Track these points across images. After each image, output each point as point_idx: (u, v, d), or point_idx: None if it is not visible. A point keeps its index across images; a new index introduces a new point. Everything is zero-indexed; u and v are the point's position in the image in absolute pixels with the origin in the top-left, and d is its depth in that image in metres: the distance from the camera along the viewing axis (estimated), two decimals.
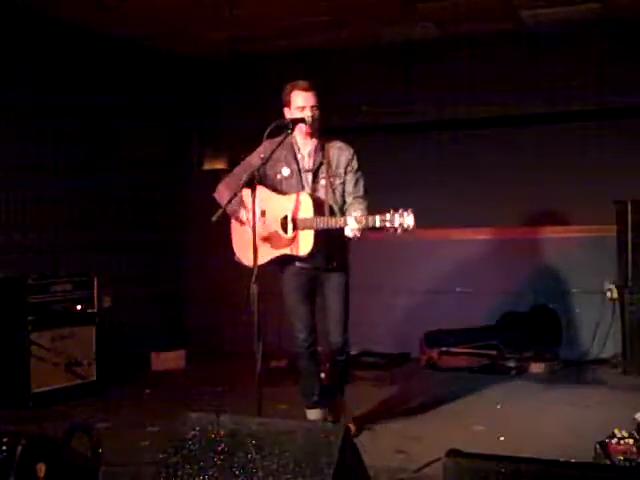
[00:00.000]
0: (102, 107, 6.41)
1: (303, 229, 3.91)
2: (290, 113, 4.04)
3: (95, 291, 5.51)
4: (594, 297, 6.16)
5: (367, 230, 3.75)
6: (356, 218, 3.73)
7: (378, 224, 3.68)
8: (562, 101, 6.31)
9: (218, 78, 7.41)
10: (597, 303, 6.14)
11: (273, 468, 2.68)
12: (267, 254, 3.97)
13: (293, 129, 3.94)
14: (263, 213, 4.03)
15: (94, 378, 5.43)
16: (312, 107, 4.00)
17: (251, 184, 3.64)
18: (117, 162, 6.61)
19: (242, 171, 4.03)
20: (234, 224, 4.15)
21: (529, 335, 6.21)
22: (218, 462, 2.76)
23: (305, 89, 4.02)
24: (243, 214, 3.99)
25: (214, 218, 3.62)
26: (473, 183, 6.46)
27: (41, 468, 2.94)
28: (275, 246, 4.00)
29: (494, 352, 6.15)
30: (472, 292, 6.53)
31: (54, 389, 5.13)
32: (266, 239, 4.00)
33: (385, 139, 6.83)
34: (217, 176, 7.34)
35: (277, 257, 4.01)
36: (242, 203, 3.96)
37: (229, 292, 6.79)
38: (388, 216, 3.65)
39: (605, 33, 6.16)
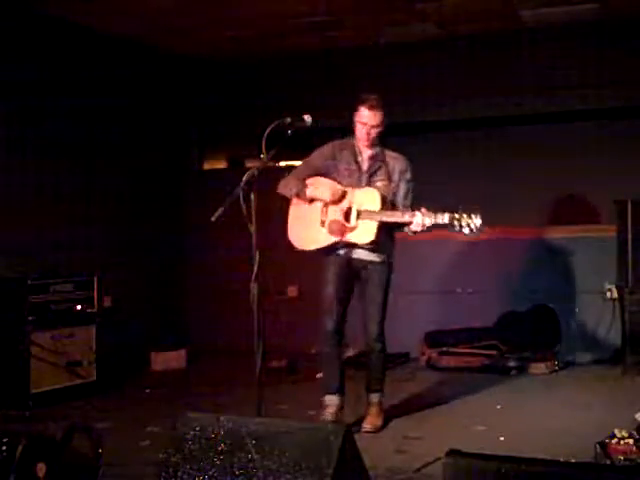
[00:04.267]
0: (102, 107, 6.41)
1: (366, 220, 4.15)
2: (356, 126, 4.33)
3: (95, 291, 5.51)
4: (594, 297, 6.16)
5: (432, 227, 4.04)
6: (425, 212, 4.02)
7: (447, 221, 3.97)
8: (562, 101, 6.31)
9: (218, 78, 7.41)
10: (597, 303, 6.14)
11: (273, 468, 2.68)
12: (325, 240, 4.27)
13: (293, 130, 3.98)
14: (326, 204, 4.30)
15: (94, 378, 5.43)
16: (372, 126, 4.28)
17: (250, 184, 3.67)
18: (117, 162, 6.61)
19: (305, 168, 4.40)
20: (294, 209, 4.38)
21: (529, 335, 6.21)
22: (218, 462, 2.76)
23: (370, 107, 4.28)
24: (311, 190, 4.26)
25: (214, 218, 3.63)
26: (472, 183, 6.44)
27: (41, 468, 2.94)
28: (335, 233, 4.23)
29: (494, 352, 6.15)
30: (472, 292, 6.53)
31: (54, 389, 5.13)
32: (324, 225, 4.27)
33: (385, 139, 6.82)
34: (217, 176, 7.38)
35: (334, 243, 4.26)
36: (300, 182, 4.27)
37: (229, 292, 6.80)
38: (457, 215, 3.95)
39: (605, 33, 6.16)
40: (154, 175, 7.04)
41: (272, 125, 3.86)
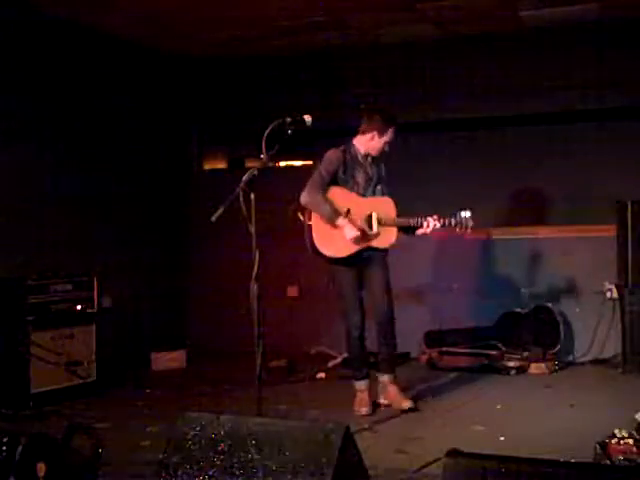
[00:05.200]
0: (102, 107, 6.41)
1: (386, 226, 4.59)
2: (374, 137, 4.69)
3: (95, 291, 5.51)
4: (594, 297, 6.15)
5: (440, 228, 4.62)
6: (436, 218, 4.56)
7: (453, 224, 4.59)
8: (562, 101, 6.31)
9: (218, 78, 7.41)
10: (597, 303, 6.14)
11: (273, 468, 2.68)
12: (352, 247, 4.60)
13: (293, 130, 3.99)
14: (348, 211, 4.63)
15: (94, 378, 5.43)
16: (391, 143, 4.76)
17: (250, 185, 3.68)
18: (117, 162, 6.61)
19: (323, 180, 4.62)
20: (317, 220, 4.62)
21: (529, 335, 6.21)
22: (218, 462, 2.76)
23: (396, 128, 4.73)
24: (341, 221, 4.54)
25: (214, 218, 3.64)
26: (472, 183, 6.45)
27: (41, 468, 2.94)
28: (360, 241, 4.57)
29: (494, 352, 6.15)
30: (472, 292, 6.52)
31: (54, 389, 5.13)
32: (353, 236, 4.55)
33: None
34: (217, 176, 7.38)
35: (361, 249, 4.61)
36: (335, 210, 4.56)
37: (229, 292, 6.80)
38: (458, 218, 4.58)
39: (605, 33, 6.16)
40: (154, 175, 7.04)
41: (272, 125, 3.86)
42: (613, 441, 3.32)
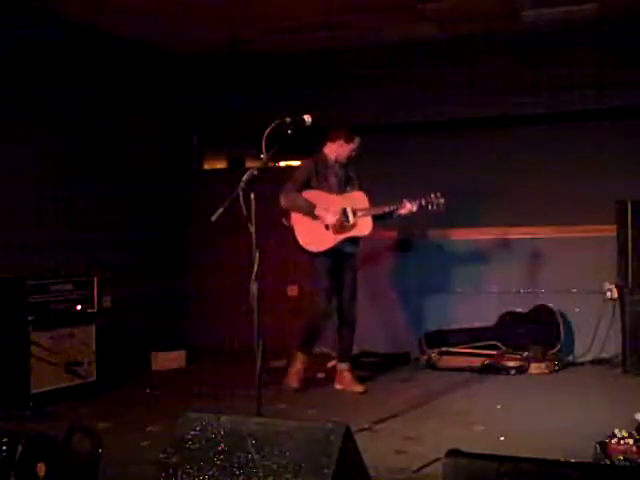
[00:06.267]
0: (102, 106, 6.41)
1: (362, 216, 5.16)
2: (342, 145, 5.31)
3: (95, 291, 5.51)
4: (594, 297, 6.15)
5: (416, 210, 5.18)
6: (408, 200, 5.15)
7: (424, 204, 5.15)
8: (562, 101, 6.31)
9: (218, 78, 7.41)
10: (597, 303, 6.14)
11: (273, 468, 2.68)
12: (334, 239, 5.19)
13: (293, 130, 4.01)
14: (326, 209, 5.17)
15: (94, 378, 5.42)
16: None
17: (250, 185, 3.69)
18: (117, 161, 6.61)
19: (298, 183, 5.22)
20: (298, 218, 5.21)
21: (529, 335, 6.21)
22: (218, 462, 2.76)
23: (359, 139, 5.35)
24: (319, 210, 5.14)
25: (214, 218, 3.65)
26: (472, 183, 6.45)
27: (41, 468, 2.94)
28: (340, 232, 5.18)
29: (494, 352, 6.15)
30: (472, 292, 6.53)
31: (54, 389, 5.12)
32: (329, 228, 5.18)
33: (385, 139, 6.84)
34: (217, 176, 7.38)
35: (343, 240, 5.19)
36: (311, 203, 5.16)
37: (229, 292, 6.80)
38: (429, 199, 5.14)
39: (604, 33, 6.16)
40: (154, 175, 7.04)
41: (272, 125, 3.86)
42: (613, 441, 3.32)
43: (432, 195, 5.14)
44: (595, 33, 6.18)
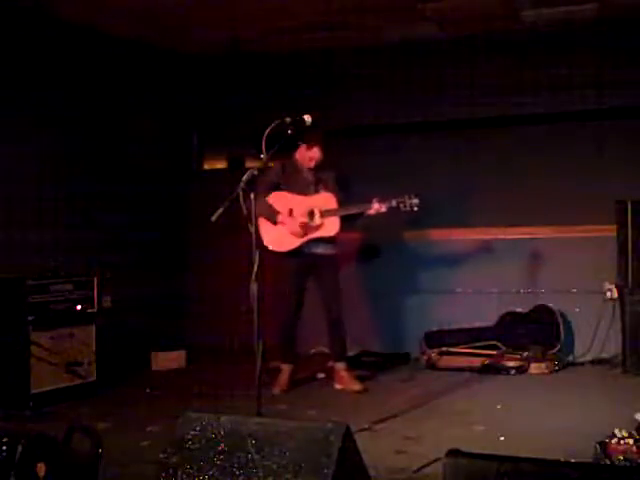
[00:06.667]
0: (102, 106, 6.41)
1: (329, 216, 5.20)
2: (303, 152, 5.38)
3: (95, 291, 5.51)
4: (594, 297, 6.15)
5: (386, 210, 5.10)
6: (379, 200, 5.08)
7: (395, 204, 5.07)
8: (562, 101, 6.31)
9: (218, 78, 7.41)
10: (597, 303, 6.14)
11: (273, 468, 2.68)
12: (298, 241, 5.25)
13: (293, 131, 4.02)
14: (291, 211, 5.28)
15: (94, 378, 5.42)
16: (319, 158, 5.40)
17: (251, 184, 3.71)
18: (117, 161, 6.61)
19: (265, 187, 5.25)
20: (263, 222, 5.27)
21: (529, 335, 6.21)
22: (218, 462, 2.76)
23: (320, 148, 5.35)
24: (280, 217, 5.26)
25: (214, 218, 3.65)
26: (473, 183, 6.46)
27: (41, 468, 2.94)
28: (305, 234, 5.22)
29: (494, 352, 6.15)
30: (472, 292, 6.53)
31: (54, 389, 5.12)
32: (295, 230, 5.24)
33: (385, 139, 6.84)
34: (217, 176, 7.37)
35: (307, 241, 5.24)
36: (275, 210, 5.27)
37: (229, 292, 6.80)
38: (401, 199, 5.04)
39: (604, 33, 6.16)
40: (154, 175, 7.04)
41: (272, 125, 3.87)
42: (613, 441, 3.32)
43: (405, 195, 5.09)
44: (595, 33, 6.18)
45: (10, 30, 5.60)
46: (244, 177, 3.75)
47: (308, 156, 5.38)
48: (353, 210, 5.23)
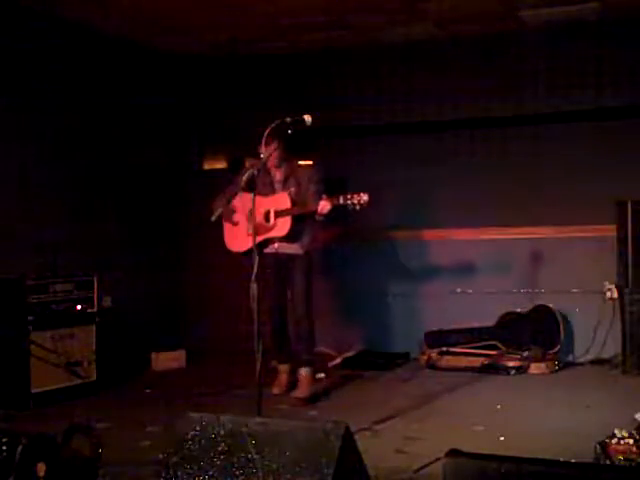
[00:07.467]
0: (102, 107, 6.40)
1: (282, 217, 5.06)
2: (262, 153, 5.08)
3: (95, 291, 5.51)
4: (594, 297, 6.15)
5: (335, 208, 4.86)
6: (326, 199, 4.84)
7: (342, 202, 4.79)
8: (562, 101, 6.31)
9: (218, 78, 7.41)
10: (597, 303, 6.14)
11: (273, 468, 2.68)
12: (251, 242, 4.97)
13: (293, 130, 4.04)
14: (250, 212, 4.99)
15: (94, 378, 5.43)
16: (269, 157, 5.13)
17: (251, 184, 3.72)
18: (117, 162, 6.61)
19: (230, 189, 5.25)
20: (225, 222, 5.31)
21: (529, 335, 6.21)
22: (218, 462, 2.76)
23: (266, 145, 4.85)
24: (236, 216, 5.26)
25: (213, 218, 3.67)
26: (473, 183, 6.46)
27: (41, 468, 2.94)
28: (261, 234, 5.07)
29: (494, 352, 6.15)
30: (472, 292, 6.53)
31: (54, 389, 5.13)
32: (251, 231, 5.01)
33: (385, 139, 6.84)
34: (217, 176, 7.37)
35: (266, 242, 5.13)
36: (232, 210, 5.26)
37: (229, 292, 6.80)
38: (349, 196, 4.78)
39: (605, 33, 6.16)
40: (154, 175, 7.03)
41: (272, 124, 3.87)
42: (613, 441, 3.32)
43: (353, 193, 4.90)
44: (595, 33, 6.18)
45: (10, 30, 5.59)
46: (244, 177, 3.76)
47: (265, 157, 5.30)
48: (302, 210, 5.05)
